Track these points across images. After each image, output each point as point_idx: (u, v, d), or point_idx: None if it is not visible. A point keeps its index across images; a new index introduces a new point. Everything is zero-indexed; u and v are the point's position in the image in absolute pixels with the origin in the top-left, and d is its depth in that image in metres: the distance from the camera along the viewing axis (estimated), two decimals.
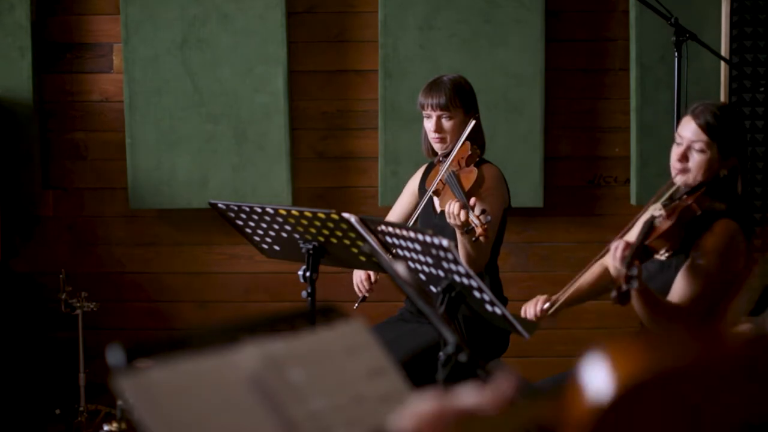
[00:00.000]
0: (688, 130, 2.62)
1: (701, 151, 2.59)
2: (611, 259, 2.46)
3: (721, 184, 2.64)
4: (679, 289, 2.59)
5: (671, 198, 2.67)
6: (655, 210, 2.63)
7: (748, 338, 0.78)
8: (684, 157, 2.61)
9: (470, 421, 0.89)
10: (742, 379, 0.75)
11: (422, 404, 0.91)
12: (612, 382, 0.74)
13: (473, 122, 3.10)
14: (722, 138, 2.59)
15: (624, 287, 2.31)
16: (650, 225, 2.57)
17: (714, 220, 2.59)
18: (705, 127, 2.58)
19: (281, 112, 4.15)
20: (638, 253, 2.45)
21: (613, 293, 2.31)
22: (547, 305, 2.75)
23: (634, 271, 2.33)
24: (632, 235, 2.66)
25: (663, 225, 2.55)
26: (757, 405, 0.76)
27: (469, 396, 0.91)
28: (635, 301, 2.45)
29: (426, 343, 3.02)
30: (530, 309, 2.77)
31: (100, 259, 4.32)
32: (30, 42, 4.13)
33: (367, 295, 3.28)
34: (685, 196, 2.63)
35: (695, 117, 2.61)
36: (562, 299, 2.78)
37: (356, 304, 3.27)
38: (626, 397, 0.74)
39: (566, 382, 0.80)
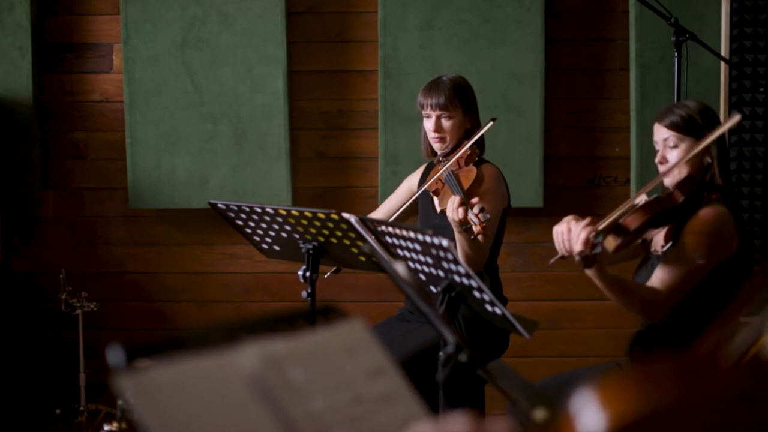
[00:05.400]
0: (658, 133, 2.72)
1: (675, 146, 2.67)
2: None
3: (709, 174, 2.70)
4: (659, 272, 2.61)
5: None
6: (641, 199, 2.70)
7: (743, 364, 0.77)
8: (664, 159, 2.70)
9: None
10: (738, 407, 0.75)
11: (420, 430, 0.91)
12: (604, 421, 0.73)
13: (491, 123, 3.08)
14: (691, 129, 2.67)
15: (587, 252, 2.42)
16: (631, 206, 2.64)
17: (702, 206, 2.66)
18: (671, 126, 2.68)
19: (281, 112, 4.15)
20: (612, 229, 2.53)
21: (577, 258, 2.44)
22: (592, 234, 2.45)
23: (599, 239, 2.43)
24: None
25: (641, 206, 2.60)
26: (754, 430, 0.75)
27: (461, 424, 0.91)
28: (596, 278, 2.49)
29: (426, 343, 3.02)
30: (576, 245, 2.46)
31: (100, 259, 4.32)
32: (30, 42, 4.13)
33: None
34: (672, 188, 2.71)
35: (660, 120, 2.71)
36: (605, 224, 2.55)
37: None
38: None
39: (557, 417, 0.79)
